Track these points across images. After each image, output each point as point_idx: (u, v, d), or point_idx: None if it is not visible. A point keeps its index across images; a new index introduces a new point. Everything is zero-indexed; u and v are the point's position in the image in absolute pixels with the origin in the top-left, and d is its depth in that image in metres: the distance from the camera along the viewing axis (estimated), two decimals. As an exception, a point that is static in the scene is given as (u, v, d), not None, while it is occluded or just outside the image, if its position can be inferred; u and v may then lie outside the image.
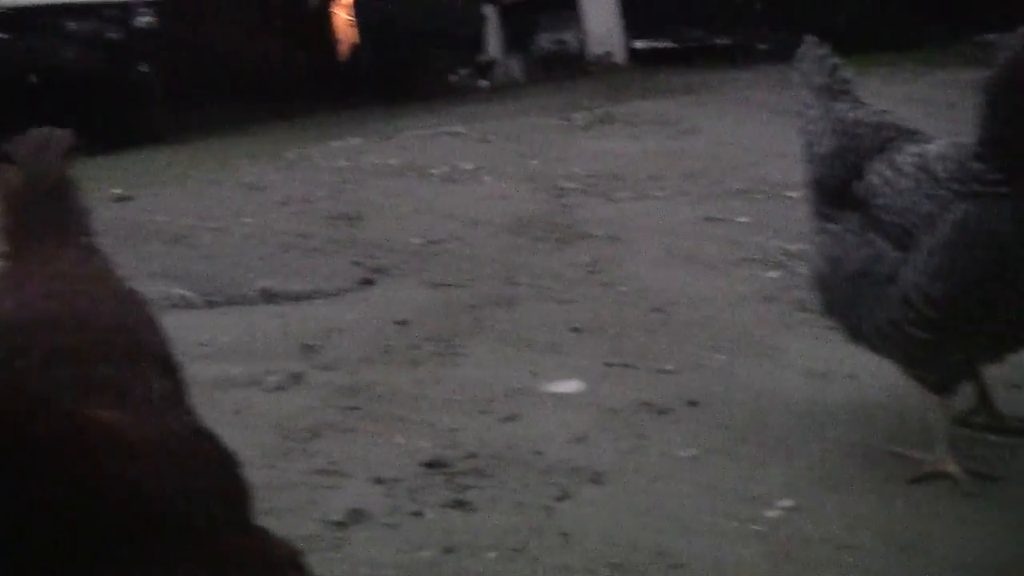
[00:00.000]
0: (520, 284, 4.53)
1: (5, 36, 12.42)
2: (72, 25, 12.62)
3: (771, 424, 3.17)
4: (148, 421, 1.28)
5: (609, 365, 3.54)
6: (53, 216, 1.65)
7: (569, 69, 28.93)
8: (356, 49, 24.74)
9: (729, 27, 20.13)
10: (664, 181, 6.56)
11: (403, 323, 4.12)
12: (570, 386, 3.39)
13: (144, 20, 13.80)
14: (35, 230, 1.60)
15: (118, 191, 6.44)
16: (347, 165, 8.69)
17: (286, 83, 21.63)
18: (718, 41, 20.36)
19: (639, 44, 22.16)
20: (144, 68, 13.34)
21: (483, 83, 27.47)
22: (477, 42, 28.21)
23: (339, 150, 9.95)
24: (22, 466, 1.01)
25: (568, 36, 31.64)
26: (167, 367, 1.55)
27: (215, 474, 1.31)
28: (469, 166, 7.75)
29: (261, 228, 6.30)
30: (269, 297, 4.58)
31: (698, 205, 5.83)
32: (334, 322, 4.21)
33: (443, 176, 7.54)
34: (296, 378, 3.59)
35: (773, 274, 4.56)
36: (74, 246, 1.65)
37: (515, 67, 32.49)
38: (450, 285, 4.63)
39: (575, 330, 3.88)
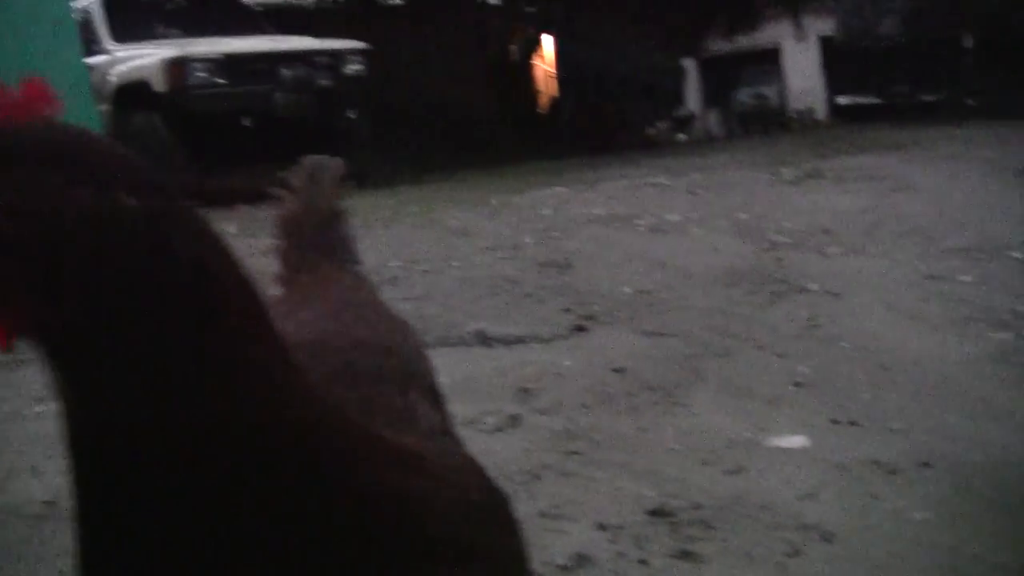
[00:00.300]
0: (737, 336, 4.46)
1: (223, 81, 13.01)
2: (285, 72, 13.12)
3: (1012, 490, 3.03)
4: (432, 447, 1.29)
5: (835, 422, 3.44)
6: (326, 243, 1.69)
7: (768, 124, 28.73)
8: (556, 101, 25.03)
9: (936, 84, 19.71)
10: (879, 237, 6.41)
11: (620, 370, 4.10)
12: (795, 441, 3.30)
13: (354, 68, 14.27)
14: (309, 256, 1.64)
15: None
16: (552, 213, 8.76)
17: (488, 132, 22.06)
18: (924, 97, 19.95)
19: (842, 100, 21.88)
20: (352, 114, 13.78)
21: (681, 136, 27.47)
22: (676, 95, 28.19)
23: (543, 198, 10.05)
24: (317, 478, 1.03)
25: (769, 91, 31.44)
26: (435, 397, 1.56)
27: (491, 505, 1.30)
28: (676, 217, 7.71)
29: (471, 272, 6.38)
30: (483, 340, 4.62)
31: (917, 262, 5.67)
32: (550, 367, 4.21)
33: (650, 226, 7.52)
34: (514, 420, 3.60)
35: (1003, 335, 4.39)
36: (346, 273, 1.69)
37: (713, 121, 32.42)
38: (665, 335, 4.59)
39: (797, 384, 3.80)
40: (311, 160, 1.79)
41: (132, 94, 13.09)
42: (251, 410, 1.00)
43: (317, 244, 1.67)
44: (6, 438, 4.21)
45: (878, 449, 3.22)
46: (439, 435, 1.43)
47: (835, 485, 3.03)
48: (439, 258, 6.90)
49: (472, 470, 1.32)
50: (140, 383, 0.96)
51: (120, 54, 13.67)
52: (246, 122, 13.10)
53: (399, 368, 1.47)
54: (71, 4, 12.28)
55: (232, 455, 0.99)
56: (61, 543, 3.08)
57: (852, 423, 3.42)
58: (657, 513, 2.88)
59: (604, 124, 19.49)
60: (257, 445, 1.00)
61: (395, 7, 23.20)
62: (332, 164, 1.77)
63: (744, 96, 32.83)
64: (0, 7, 10.89)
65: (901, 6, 20.51)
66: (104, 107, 12.80)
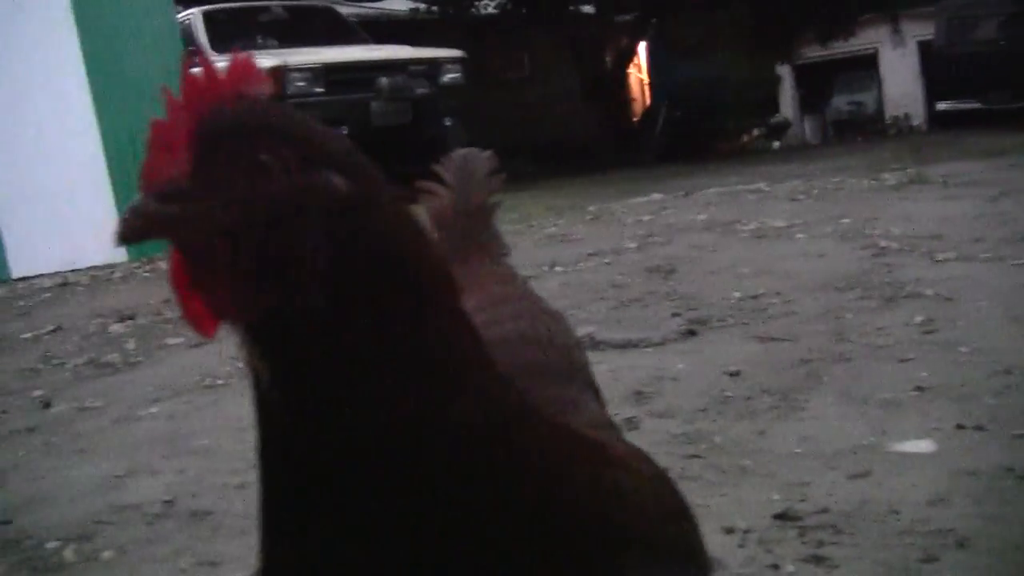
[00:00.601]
0: (851, 341, 4.40)
1: (320, 90, 13.15)
2: (382, 80, 13.21)
3: None
4: (604, 437, 1.28)
5: (960, 427, 3.36)
6: (477, 236, 1.68)
7: (864, 131, 28.31)
8: (649, 109, 24.96)
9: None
10: (989, 243, 6.28)
11: (735, 374, 4.06)
12: (921, 446, 3.24)
13: (450, 76, 14.34)
14: (460, 249, 1.63)
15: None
16: (651, 219, 8.74)
17: (583, 140, 22.05)
18: (1026, 102, 19.52)
19: (941, 105, 21.48)
20: (448, 122, 13.84)
21: (775, 144, 27.20)
22: (771, 102, 27.88)
23: (641, 205, 10.03)
24: (516, 466, 1.02)
25: (865, 97, 30.96)
26: (595, 389, 1.56)
27: (669, 492, 1.29)
28: (780, 223, 7.64)
29: (575, 277, 6.38)
30: (594, 343, 4.61)
31: (1029, 267, 5.55)
32: (664, 371, 4.19)
33: (753, 232, 7.46)
34: (631, 423, 3.58)
35: None
36: (498, 265, 1.68)
37: (808, 128, 32.03)
38: (777, 339, 4.54)
39: (918, 389, 3.72)
40: (461, 153, 1.78)
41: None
42: (457, 397, 0.99)
43: (468, 237, 1.66)
44: (123, 439, 4.29)
45: (1008, 455, 3.14)
46: (604, 427, 1.43)
47: (966, 491, 2.96)
48: (542, 263, 6.91)
49: (645, 459, 1.32)
50: (348, 367, 0.96)
51: (220, 64, 13.86)
52: (343, 131, 13.20)
53: (561, 361, 1.47)
54: (175, 15, 12.53)
55: (435, 441, 0.98)
56: (181, 542, 3.13)
57: (978, 428, 3.34)
58: (784, 517, 2.84)
59: (698, 131, 19.38)
60: (460, 431, 0.99)
61: (490, 16, 23.27)
62: (483, 157, 1.77)
63: (840, 103, 32.49)
64: (106, 15, 11.16)
65: (1001, 10, 20.15)
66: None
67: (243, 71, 1.02)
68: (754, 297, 5.38)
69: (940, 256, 6.01)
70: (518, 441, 1.03)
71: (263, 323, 0.96)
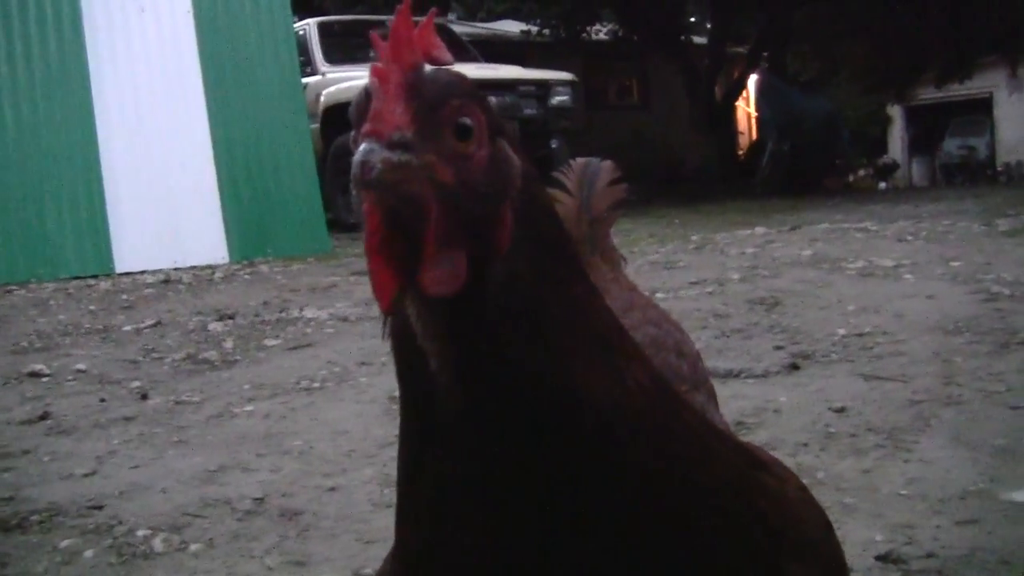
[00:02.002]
0: (962, 385, 4.27)
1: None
2: (492, 99, 13.24)
3: None
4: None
5: (1076, 480, 3.24)
6: (600, 243, 1.66)
7: (975, 176, 27.75)
8: (757, 142, 24.73)
9: None
10: (1109, 295, 6.08)
11: (840, 410, 3.96)
12: (1034, 496, 3.12)
13: (559, 99, 14.36)
14: (585, 254, 1.61)
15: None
16: (756, 252, 8.62)
17: (689, 170, 21.90)
18: None
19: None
20: (555, 143, 13.84)
21: (882, 184, 26.79)
22: (880, 143, 27.53)
23: (745, 238, 9.91)
24: (679, 464, 1.00)
25: (977, 142, 30.40)
26: (716, 402, 1.53)
27: (811, 500, 1.26)
28: (888, 263, 7.49)
29: (677, 304, 6.30)
30: (694, 371, 4.53)
31: None
32: (766, 402, 4.10)
33: (860, 271, 7.32)
34: (731, 454, 3.50)
35: None
36: (620, 273, 1.66)
37: (916, 171, 31.52)
38: (884, 378, 4.43)
39: (1032, 438, 3.60)
40: (582, 161, 1.76)
41: (340, 114, 13.42)
42: (630, 364, 1.00)
43: (591, 243, 1.64)
44: (217, 434, 4.32)
45: (1125, 512, 3.02)
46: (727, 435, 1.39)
47: (1082, 547, 2.85)
48: (644, 290, 6.83)
49: (788, 470, 1.29)
50: (537, 340, 0.95)
51: (331, 75, 14.04)
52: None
53: (690, 368, 1.44)
54: (293, 25, 12.70)
55: (615, 414, 0.97)
56: (270, 540, 3.12)
57: (1095, 482, 3.22)
58: (887, 559, 2.75)
59: (805, 167, 19.16)
60: (637, 399, 0.98)
61: (603, 42, 23.27)
62: (605, 166, 1.74)
63: (950, 146, 31.89)
64: (227, 23, 11.34)
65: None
66: (314, 125, 13.14)
67: (428, 37, 1.03)
68: (860, 335, 5.26)
69: (1055, 305, 5.84)
70: (684, 413, 1.04)
71: (459, 295, 0.96)
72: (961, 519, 2.99)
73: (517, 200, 0.98)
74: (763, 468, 1.14)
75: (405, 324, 0.99)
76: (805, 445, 3.61)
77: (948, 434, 3.67)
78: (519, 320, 0.94)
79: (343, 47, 14.92)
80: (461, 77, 1.01)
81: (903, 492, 3.18)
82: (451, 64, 1.04)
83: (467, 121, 0.98)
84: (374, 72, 0.98)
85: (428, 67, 1.01)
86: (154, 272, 10.09)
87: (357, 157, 0.93)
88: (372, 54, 1.05)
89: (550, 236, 1.00)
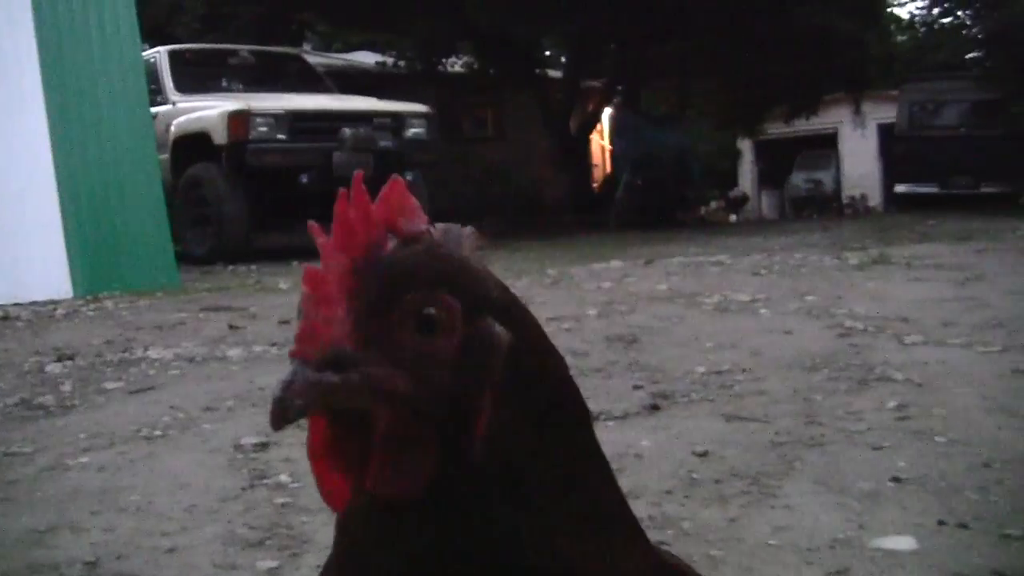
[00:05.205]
0: (824, 425, 4.21)
1: (283, 137, 12.99)
2: (346, 130, 13.05)
3: None
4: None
5: (942, 523, 3.17)
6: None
7: (822, 209, 28.59)
8: (610, 175, 24.97)
9: (998, 175, 19.50)
10: (959, 328, 6.15)
11: (704, 455, 3.85)
12: (902, 543, 3.03)
13: (414, 131, 14.22)
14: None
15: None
16: (612, 287, 8.57)
17: (544, 203, 21.93)
18: (986, 189, 19.73)
19: (900, 188, 21.67)
20: (410, 176, 13.68)
21: (732, 217, 27.36)
22: (731, 175, 28.17)
23: (601, 271, 9.87)
24: None
25: (824, 176, 31.47)
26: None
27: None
28: (744, 297, 7.50)
29: (534, 343, 6.16)
30: (553, 414, 4.39)
31: (1003, 356, 5.39)
32: (628, 447, 3.97)
33: (716, 305, 7.31)
34: (593, 502, 3.35)
35: (1111, 435, 4.11)
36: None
37: (765, 203, 32.46)
38: (746, 419, 4.35)
39: (896, 480, 3.53)
40: (443, 227, 1.59)
41: (191, 145, 13.12)
42: (634, 551, 0.98)
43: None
44: (48, 490, 4.01)
45: (995, 557, 2.95)
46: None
47: (953, 595, 2.77)
48: (500, 326, 6.70)
49: None
50: (520, 524, 0.87)
51: (182, 105, 13.70)
52: (304, 178, 13.04)
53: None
54: (142, 53, 12.32)
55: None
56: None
57: (962, 525, 3.15)
58: (759, 616, 2.63)
59: (657, 201, 19.35)
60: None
61: (458, 75, 23.24)
62: (466, 233, 1.57)
63: (798, 179, 32.71)
64: (71, 50, 10.92)
65: (964, 98, 20.42)
66: (164, 156, 12.80)
67: (398, 201, 0.91)
68: (719, 373, 5.19)
69: (908, 339, 5.87)
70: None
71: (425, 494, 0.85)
72: (831, 569, 2.89)
73: (499, 380, 0.86)
74: None
75: (358, 516, 0.87)
76: (669, 492, 3.48)
77: (813, 478, 3.59)
78: (490, 506, 0.85)
79: (195, 76, 14.59)
80: (430, 256, 0.89)
81: (771, 542, 3.07)
82: (421, 233, 0.91)
83: (431, 312, 0.84)
84: (307, 277, 0.84)
85: (383, 252, 0.87)
86: (-11, 308, 9.60)
87: (276, 383, 0.80)
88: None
89: (545, 405, 0.91)
